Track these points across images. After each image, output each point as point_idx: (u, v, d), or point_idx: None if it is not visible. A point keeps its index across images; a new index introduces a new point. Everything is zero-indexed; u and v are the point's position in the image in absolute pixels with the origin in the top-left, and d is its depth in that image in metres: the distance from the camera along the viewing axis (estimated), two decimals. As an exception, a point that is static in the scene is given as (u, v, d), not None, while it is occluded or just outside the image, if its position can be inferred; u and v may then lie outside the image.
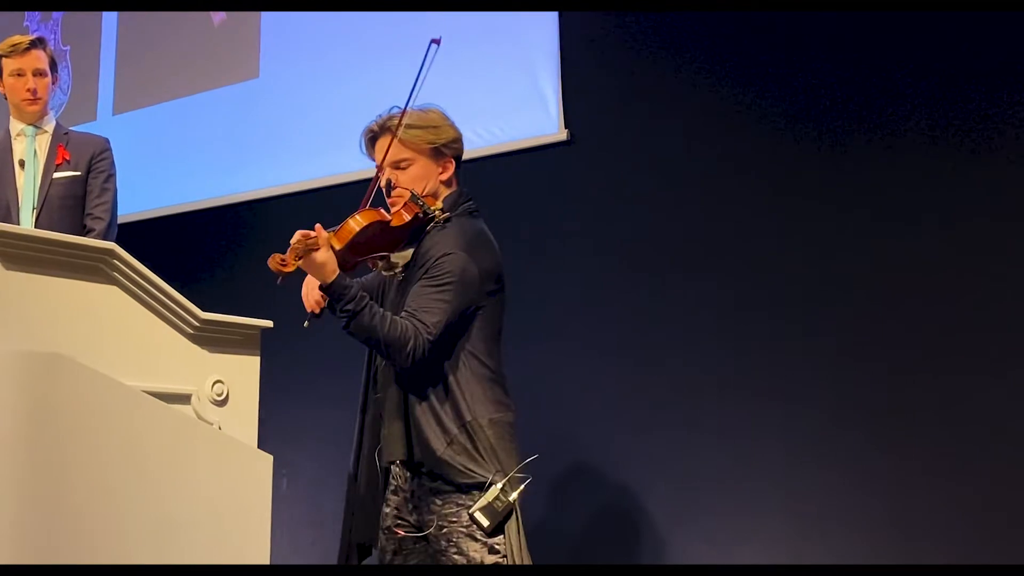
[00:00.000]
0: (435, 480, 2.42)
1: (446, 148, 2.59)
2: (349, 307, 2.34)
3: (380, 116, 2.59)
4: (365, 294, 2.38)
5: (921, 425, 3.33)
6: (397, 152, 2.54)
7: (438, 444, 2.39)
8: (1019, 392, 3.20)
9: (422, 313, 2.39)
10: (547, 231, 4.10)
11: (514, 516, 2.38)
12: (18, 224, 3.37)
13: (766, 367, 3.61)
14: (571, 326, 3.97)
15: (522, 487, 2.39)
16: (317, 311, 2.52)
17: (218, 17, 5.33)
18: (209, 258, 5.12)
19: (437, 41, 2.53)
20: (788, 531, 3.48)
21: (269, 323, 2.53)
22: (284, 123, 4.99)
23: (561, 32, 4.19)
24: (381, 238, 2.49)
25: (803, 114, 3.69)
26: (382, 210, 2.50)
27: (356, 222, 2.44)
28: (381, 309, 2.40)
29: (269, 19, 5.14)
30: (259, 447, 2.38)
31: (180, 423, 2.20)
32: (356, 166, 4.70)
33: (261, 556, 2.26)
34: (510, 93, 4.25)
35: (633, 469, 3.78)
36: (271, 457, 2.34)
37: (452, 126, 2.61)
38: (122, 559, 2.02)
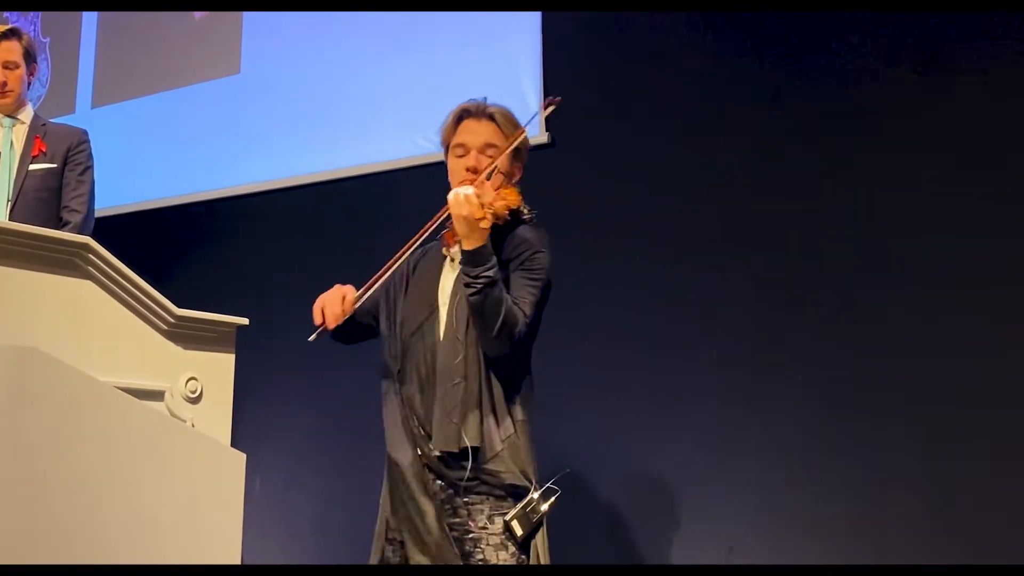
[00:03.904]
0: (471, 480, 2.31)
1: (524, 153, 2.56)
2: (490, 273, 2.25)
3: (472, 100, 2.55)
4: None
5: (924, 423, 3.31)
6: (497, 138, 2.49)
7: (496, 438, 2.32)
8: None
9: (521, 302, 2.35)
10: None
11: (542, 530, 2.32)
12: (-8, 216, 3.34)
13: (756, 366, 3.62)
14: (553, 330, 3.97)
15: (553, 499, 2.32)
16: (332, 327, 2.41)
17: (200, 12, 5.31)
18: (185, 254, 5.09)
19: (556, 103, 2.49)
20: (793, 531, 3.48)
21: (245, 320, 2.51)
22: (264, 120, 4.97)
23: (544, 34, 4.19)
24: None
25: (789, 115, 3.69)
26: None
27: (515, 196, 2.34)
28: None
29: (251, 16, 5.12)
30: (233, 446, 2.37)
31: (153, 420, 2.19)
32: (334, 164, 4.71)
33: (232, 555, 2.24)
34: (491, 95, 4.22)
35: (629, 470, 3.78)
36: (244, 456, 2.32)
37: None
38: (93, 555, 2.00)
